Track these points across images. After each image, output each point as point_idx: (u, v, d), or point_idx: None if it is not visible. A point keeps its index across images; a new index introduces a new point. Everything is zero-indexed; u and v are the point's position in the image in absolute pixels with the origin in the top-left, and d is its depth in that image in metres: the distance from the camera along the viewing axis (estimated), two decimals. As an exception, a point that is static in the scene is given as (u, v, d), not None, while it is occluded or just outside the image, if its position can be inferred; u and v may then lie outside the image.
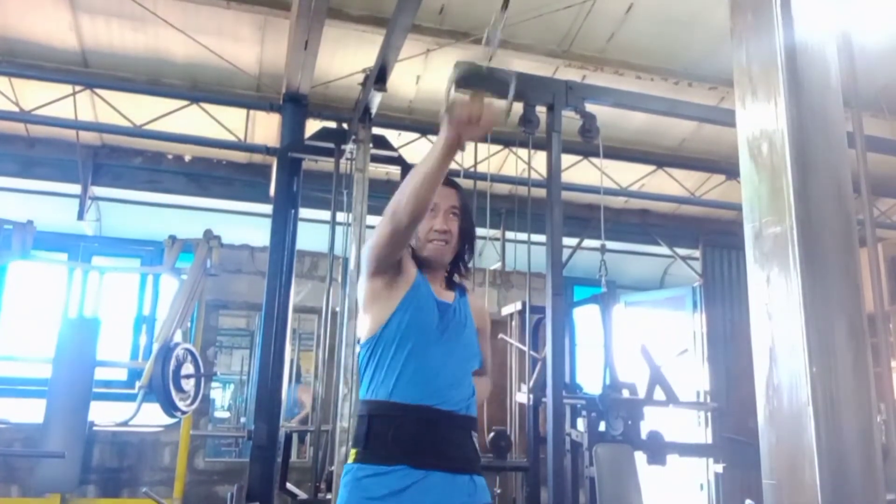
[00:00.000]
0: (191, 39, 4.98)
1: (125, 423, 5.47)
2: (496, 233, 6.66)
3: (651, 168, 6.69)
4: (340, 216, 4.72)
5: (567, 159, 5.59)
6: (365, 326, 1.92)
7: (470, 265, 2.10)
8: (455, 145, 1.59)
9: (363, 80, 4.27)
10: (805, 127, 1.20)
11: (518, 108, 3.91)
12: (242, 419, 9.68)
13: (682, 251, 7.71)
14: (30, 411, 5.80)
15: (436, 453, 1.78)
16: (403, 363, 1.83)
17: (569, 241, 6.68)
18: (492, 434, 4.50)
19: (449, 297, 1.99)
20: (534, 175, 4.28)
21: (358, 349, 2.19)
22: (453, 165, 1.71)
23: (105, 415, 5.81)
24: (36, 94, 5.36)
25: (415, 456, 1.76)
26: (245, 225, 6.76)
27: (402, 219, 1.68)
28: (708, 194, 7.00)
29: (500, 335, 5.00)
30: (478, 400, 2.19)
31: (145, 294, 6.70)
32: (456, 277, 2.07)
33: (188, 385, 5.46)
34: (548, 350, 3.63)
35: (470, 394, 1.91)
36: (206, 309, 6.13)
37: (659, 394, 4.15)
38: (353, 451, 1.83)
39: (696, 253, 7.39)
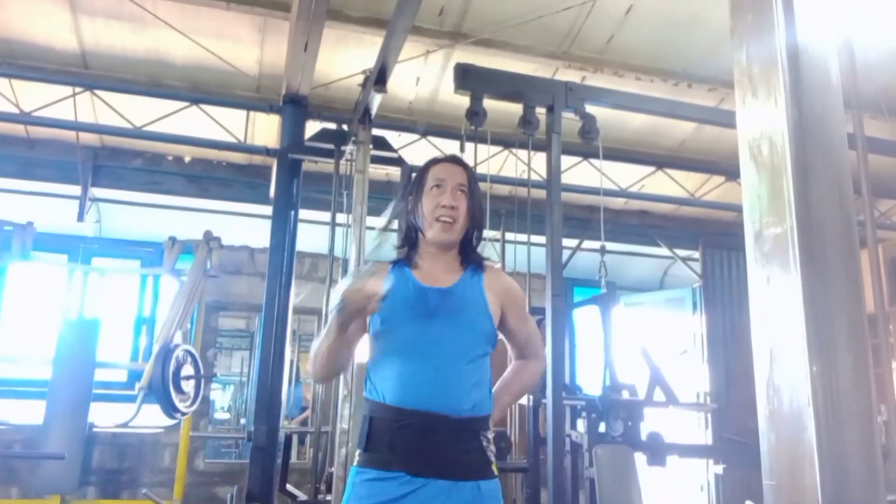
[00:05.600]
0: (191, 41, 4.97)
1: (125, 425, 5.47)
2: (496, 234, 6.65)
3: (651, 169, 6.68)
4: (340, 217, 4.71)
5: (567, 160, 5.57)
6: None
7: (479, 249, 1.99)
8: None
9: (363, 82, 4.27)
10: (805, 128, 1.20)
11: (518, 108, 3.92)
12: (242, 420, 9.69)
13: (681, 252, 7.70)
14: (30, 413, 5.80)
15: (436, 461, 1.72)
16: (394, 362, 1.80)
17: (568, 243, 6.66)
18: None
19: (449, 280, 1.89)
20: (534, 176, 4.27)
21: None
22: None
23: (105, 416, 5.81)
24: (36, 96, 5.35)
25: (414, 463, 1.71)
26: (245, 226, 6.75)
27: (317, 379, 2.04)
28: (708, 195, 6.99)
29: (500, 335, 4.99)
30: (526, 385, 2.17)
31: (145, 295, 6.71)
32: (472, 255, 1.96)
33: (188, 386, 5.47)
34: (547, 351, 3.63)
35: (472, 389, 1.81)
36: (205, 310, 6.13)
37: (659, 395, 4.15)
38: (356, 452, 1.81)
39: (696, 254, 7.39)
